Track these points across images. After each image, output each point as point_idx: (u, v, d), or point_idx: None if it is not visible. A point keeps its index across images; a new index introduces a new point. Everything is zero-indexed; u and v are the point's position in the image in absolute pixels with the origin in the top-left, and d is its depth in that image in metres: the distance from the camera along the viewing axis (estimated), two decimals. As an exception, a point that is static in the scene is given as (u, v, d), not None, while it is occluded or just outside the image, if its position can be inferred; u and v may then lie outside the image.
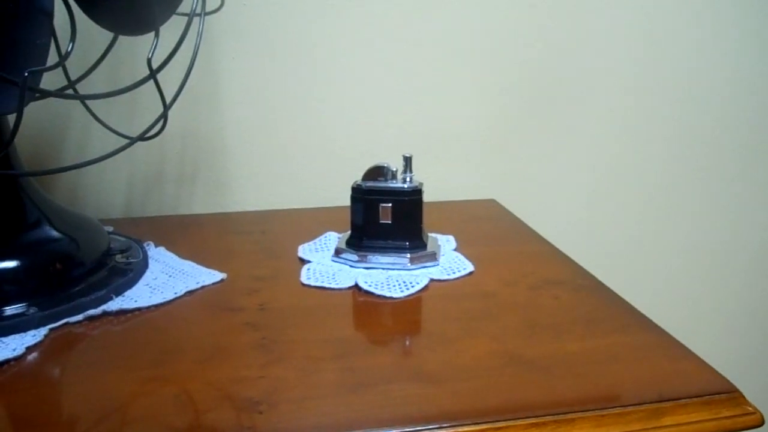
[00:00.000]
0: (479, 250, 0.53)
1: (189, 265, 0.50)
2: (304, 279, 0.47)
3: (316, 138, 0.70)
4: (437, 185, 0.73)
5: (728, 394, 0.32)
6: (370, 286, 0.46)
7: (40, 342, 0.37)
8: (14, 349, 0.36)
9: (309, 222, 0.62)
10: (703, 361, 0.36)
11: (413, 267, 0.49)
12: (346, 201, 0.52)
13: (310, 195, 0.70)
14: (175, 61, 0.44)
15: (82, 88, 0.56)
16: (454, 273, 0.49)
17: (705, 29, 0.74)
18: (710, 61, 0.75)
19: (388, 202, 0.49)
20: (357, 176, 0.51)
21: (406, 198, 0.49)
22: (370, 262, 0.49)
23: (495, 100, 0.73)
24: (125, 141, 0.45)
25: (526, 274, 0.48)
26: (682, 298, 0.85)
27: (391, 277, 0.48)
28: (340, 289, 0.46)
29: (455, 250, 0.54)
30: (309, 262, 0.51)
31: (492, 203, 0.71)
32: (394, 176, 0.50)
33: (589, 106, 0.75)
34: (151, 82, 0.43)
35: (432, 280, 0.47)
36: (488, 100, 0.73)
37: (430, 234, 0.55)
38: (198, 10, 0.44)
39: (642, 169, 0.79)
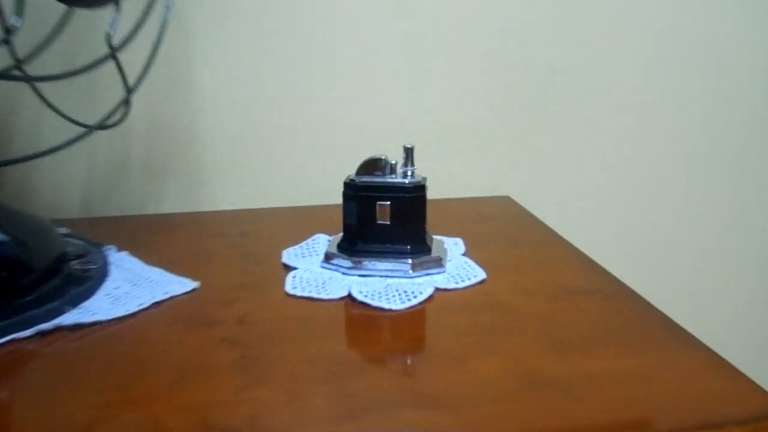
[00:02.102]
0: (492, 255, 0.54)
1: (156, 273, 0.50)
2: (289, 288, 0.47)
3: (303, 127, 0.70)
4: (443, 180, 0.73)
5: (781, 419, 0.33)
6: (365, 296, 0.46)
7: (-17, 362, 0.38)
8: (-48, 370, 0.36)
9: (295, 223, 0.62)
10: (752, 382, 0.36)
11: (415, 274, 0.49)
12: (337, 199, 0.52)
13: (297, 192, 0.70)
14: (139, 38, 0.44)
15: (32, 68, 0.55)
16: (462, 281, 0.49)
17: (730, 15, 0.75)
18: (737, 50, 0.76)
19: (387, 200, 0.49)
20: (350, 170, 0.51)
21: (407, 195, 0.49)
22: (366, 269, 0.50)
23: (509, 85, 0.73)
24: (82, 130, 0.44)
25: (546, 282, 0.49)
26: (724, 308, 0.85)
27: (389, 286, 0.48)
28: (330, 300, 0.46)
29: (464, 254, 0.54)
30: (295, 268, 0.51)
31: (506, 200, 0.71)
32: (393, 170, 0.50)
33: (613, 94, 0.75)
34: (112, 61, 0.42)
35: (437, 290, 0.48)
36: (501, 84, 0.73)
37: (434, 236, 0.55)
38: (166, -22, 0.43)
39: (676, 164, 0.80)
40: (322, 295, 0.46)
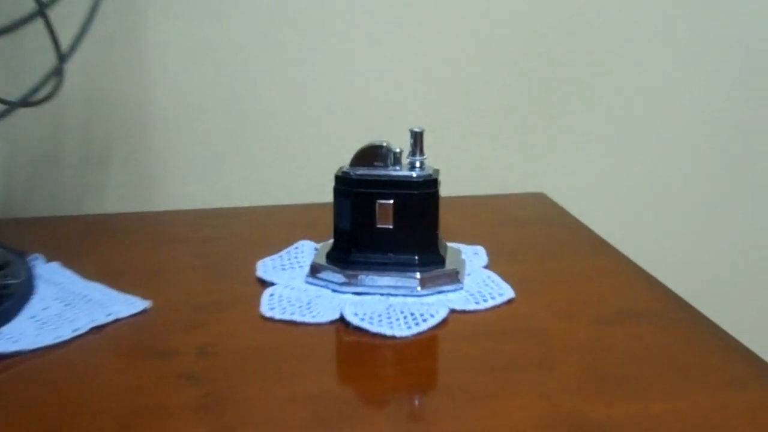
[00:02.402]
0: (522, 268, 0.54)
1: (97, 289, 0.50)
2: (265, 309, 0.47)
3: (284, 107, 0.70)
4: (461, 173, 0.73)
5: None
6: (362, 319, 0.46)
7: None
8: None
9: (273, 226, 0.63)
10: None
11: (425, 292, 0.49)
12: (327, 196, 0.52)
13: (275, 187, 0.70)
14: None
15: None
16: (485, 301, 0.49)
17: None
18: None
19: (389, 198, 0.49)
20: (344, 160, 0.51)
21: (415, 192, 0.50)
22: (363, 285, 0.50)
23: (544, 58, 0.73)
24: (1, 107, 0.44)
25: (592, 302, 0.49)
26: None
27: (392, 306, 0.48)
28: (318, 325, 0.46)
29: (486, 267, 0.55)
30: (273, 284, 0.51)
31: (540, 199, 0.71)
32: (397, 160, 0.50)
33: (665, 71, 0.76)
34: (40, 20, 0.42)
35: (452, 312, 0.48)
36: (533, 56, 0.73)
37: (449, 244, 0.55)
38: None
39: (743, 152, 0.80)
40: (308, 318, 0.46)
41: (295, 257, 0.55)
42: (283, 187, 0.70)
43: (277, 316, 0.47)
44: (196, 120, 0.68)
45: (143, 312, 0.47)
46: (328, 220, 0.52)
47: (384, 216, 0.50)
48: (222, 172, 0.70)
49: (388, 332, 0.44)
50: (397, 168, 0.50)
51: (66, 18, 0.49)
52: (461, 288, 0.50)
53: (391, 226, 0.50)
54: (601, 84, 0.75)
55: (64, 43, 0.47)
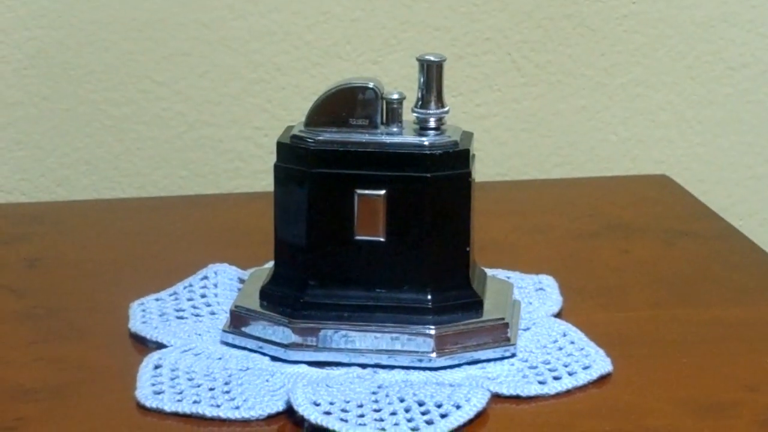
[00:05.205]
0: (627, 317, 0.54)
1: None
2: (147, 395, 0.47)
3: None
4: (510, 140, 0.73)
5: None
6: (328, 413, 0.45)
7: None
8: None
9: (158, 235, 0.63)
10: None
11: (446, 362, 0.50)
12: (262, 182, 0.52)
13: (160, 166, 0.70)
14: None
15: None
16: (556, 379, 0.49)
17: None
18: None
19: (379, 186, 0.50)
20: (293, 114, 0.50)
21: (428, 175, 0.50)
22: (328, 350, 0.50)
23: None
24: None
25: (759, 383, 0.48)
26: None
27: (385, 389, 0.47)
28: (246, 423, 0.45)
29: (559, 315, 0.55)
30: (159, 346, 0.51)
31: (660, 186, 0.71)
32: (393, 115, 0.50)
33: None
34: None
35: (497, 398, 0.47)
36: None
37: (491, 272, 0.56)
38: None
39: None
40: (226, 411, 0.46)
41: (202, 296, 0.56)
42: (174, 165, 0.69)
43: (170, 408, 0.46)
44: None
45: None
46: (263, 226, 0.52)
47: (369, 219, 0.50)
48: (59, 142, 0.71)
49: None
50: (395, 129, 0.50)
51: None
52: (512, 353, 0.51)
53: (381, 238, 0.51)
54: None
55: None
